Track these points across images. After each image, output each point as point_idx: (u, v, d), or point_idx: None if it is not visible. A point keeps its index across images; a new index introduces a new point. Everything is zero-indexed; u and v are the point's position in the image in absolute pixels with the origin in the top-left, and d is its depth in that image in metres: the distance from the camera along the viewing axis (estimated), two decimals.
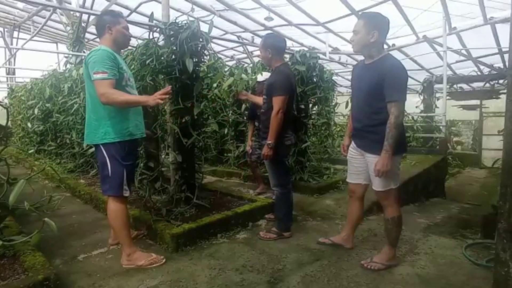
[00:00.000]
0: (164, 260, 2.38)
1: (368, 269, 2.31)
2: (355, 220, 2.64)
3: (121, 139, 2.24)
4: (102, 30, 2.30)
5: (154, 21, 3.26)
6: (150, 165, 3.54)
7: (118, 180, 2.26)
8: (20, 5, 8.03)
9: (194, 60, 2.97)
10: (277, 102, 2.65)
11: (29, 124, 6.59)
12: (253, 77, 4.77)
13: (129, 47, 3.18)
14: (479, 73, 8.28)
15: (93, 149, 4.46)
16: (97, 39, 9.08)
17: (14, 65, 10.13)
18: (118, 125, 2.24)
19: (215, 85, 4.92)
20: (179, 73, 2.97)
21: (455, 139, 11.74)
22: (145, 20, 5.50)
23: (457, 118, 12.48)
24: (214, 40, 7.60)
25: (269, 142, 2.68)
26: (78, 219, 3.37)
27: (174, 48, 3.00)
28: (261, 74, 4.04)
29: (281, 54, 2.88)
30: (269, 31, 7.12)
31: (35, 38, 8.51)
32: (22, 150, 7.31)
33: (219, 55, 6.92)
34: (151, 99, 2.13)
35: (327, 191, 4.38)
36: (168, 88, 2.21)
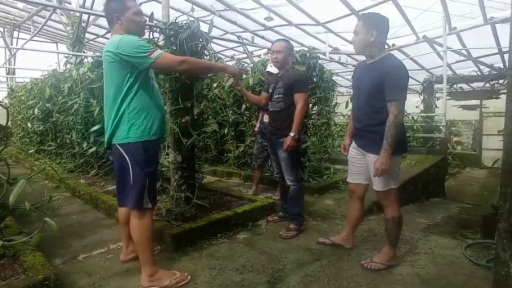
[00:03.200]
0: (189, 278, 2.15)
1: (368, 269, 2.31)
2: (355, 220, 2.64)
3: (146, 138, 2.00)
4: (111, 21, 2.03)
5: (154, 21, 3.26)
6: None
7: (141, 189, 2.00)
8: (20, 5, 8.02)
9: None
10: (302, 98, 2.90)
11: (29, 124, 6.59)
12: (253, 75, 4.77)
13: None
14: (479, 73, 8.28)
15: (93, 149, 4.47)
16: (98, 39, 8.98)
17: (14, 65, 10.13)
18: (144, 121, 2.00)
19: (215, 85, 4.92)
20: (179, 73, 2.97)
21: (455, 139, 11.74)
22: (145, 20, 5.49)
23: (457, 118, 12.49)
24: (214, 40, 7.59)
25: (294, 133, 2.84)
26: (78, 219, 3.37)
27: (174, 48, 3.00)
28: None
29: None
30: (269, 31, 7.13)
31: (35, 38, 8.51)
32: (22, 150, 7.31)
33: (219, 55, 6.91)
34: (231, 67, 2.37)
35: (327, 191, 4.39)
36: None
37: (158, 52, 1.94)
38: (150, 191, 2.04)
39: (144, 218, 2.04)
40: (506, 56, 6.92)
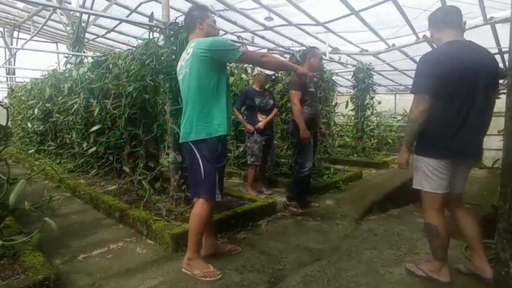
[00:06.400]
0: (220, 276, 2.18)
1: (411, 272, 2.24)
2: (471, 237, 2.24)
3: (227, 132, 2.21)
4: (193, 26, 2.33)
5: (154, 21, 3.26)
6: (150, 165, 3.54)
7: (212, 182, 2.19)
8: (20, 5, 8.01)
9: None
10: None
11: (29, 124, 6.59)
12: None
13: (129, 47, 3.16)
14: None
15: (93, 149, 4.46)
16: (98, 39, 8.95)
17: (14, 65, 10.12)
18: (226, 115, 2.20)
19: None
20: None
21: None
22: (145, 20, 5.48)
23: None
24: None
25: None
26: (78, 219, 3.37)
27: (174, 48, 3.01)
28: None
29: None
30: (269, 31, 7.13)
31: (35, 38, 8.49)
32: (22, 150, 7.31)
33: None
34: (301, 69, 2.52)
35: (327, 191, 4.39)
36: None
37: (242, 47, 2.30)
38: (220, 185, 2.28)
39: (209, 209, 2.24)
40: (506, 56, 6.92)
